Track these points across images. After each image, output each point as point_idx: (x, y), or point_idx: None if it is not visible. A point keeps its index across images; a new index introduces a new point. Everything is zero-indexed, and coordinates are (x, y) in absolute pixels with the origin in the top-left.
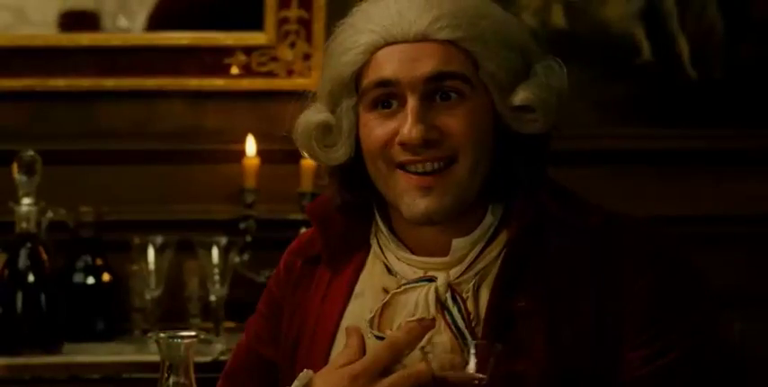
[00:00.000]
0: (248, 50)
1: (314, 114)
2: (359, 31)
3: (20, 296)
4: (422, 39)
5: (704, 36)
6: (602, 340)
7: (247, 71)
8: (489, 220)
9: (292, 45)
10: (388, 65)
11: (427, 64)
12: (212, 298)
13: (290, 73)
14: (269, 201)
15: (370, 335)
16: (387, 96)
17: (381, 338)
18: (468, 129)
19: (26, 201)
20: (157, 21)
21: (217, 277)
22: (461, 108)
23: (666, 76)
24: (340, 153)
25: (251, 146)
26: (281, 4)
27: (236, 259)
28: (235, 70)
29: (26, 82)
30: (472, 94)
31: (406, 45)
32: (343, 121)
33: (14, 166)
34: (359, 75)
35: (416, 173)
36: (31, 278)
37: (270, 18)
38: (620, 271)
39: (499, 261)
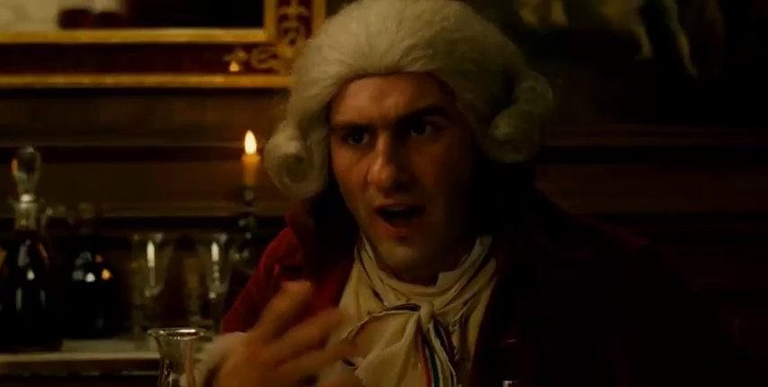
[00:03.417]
0: (248, 47)
1: (284, 143)
2: (327, 61)
3: (19, 293)
4: (394, 71)
5: (704, 33)
6: (595, 377)
7: (247, 68)
8: (477, 251)
9: (292, 42)
10: (358, 103)
11: (399, 101)
12: (212, 295)
13: (290, 70)
14: (269, 198)
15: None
16: (358, 130)
17: (350, 364)
18: (441, 170)
19: (26, 198)
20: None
21: (216, 274)
22: (436, 145)
23: (666, 73)
24: (312, 187)
25: (250, 143)
26: (281, 0)
27: (236, 256)
28: (234, 67)
29: (26, 79)
30: (449, 126)
31: (377, 79)
32: (315, 154)
33: (14, 163)
34: (328, 104)
35: (391, 219)
36: (30, 275)
37: (270, 15)
38: (612, 306)
39: (487, 291)
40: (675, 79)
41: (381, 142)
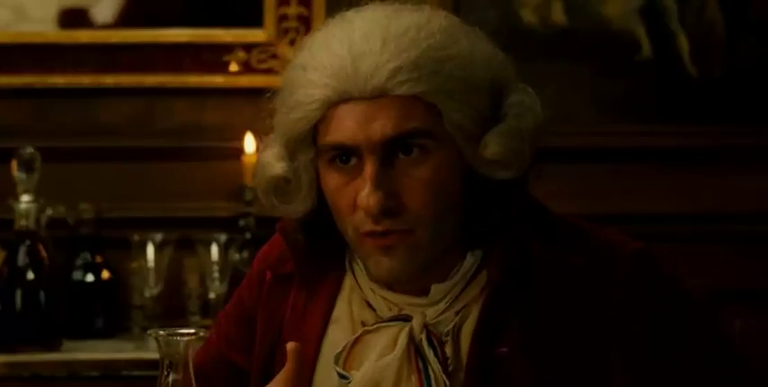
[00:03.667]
0: (248, 47)
1: (272, 162)
2: (311, 83)
3: (19, 294)
4: (380, 94)
5: (704, 33)
6: (594, 382)
7: (247, 68)
8: (470, 261)
9: (292, 42)
10: (344, 125)
11: (386, 125)
12: (212, 295)
13: None
14: None
15: (334, 371)
16: (345, 153)
17: (344, 376)
18: (429, 193)
19: (25, 198)
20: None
21: (216, 274)
22: (423, 166)
23: (666, 73)
24: (300, 209)
25: (250, 143)
26: (281, 0)
27: (236, 256)
28: (234, 67)
29: (26, 79)
30: (436, 147)
31: (363, 103)
32: (302, 176)
33: (14, 163)
34: (314, 126)
35: (378, 235)
36: (30, 275)
37: (269, 15)
38: (608, 313)
39: (480, 301)
40: (675, 79)
41: (368, 167)
